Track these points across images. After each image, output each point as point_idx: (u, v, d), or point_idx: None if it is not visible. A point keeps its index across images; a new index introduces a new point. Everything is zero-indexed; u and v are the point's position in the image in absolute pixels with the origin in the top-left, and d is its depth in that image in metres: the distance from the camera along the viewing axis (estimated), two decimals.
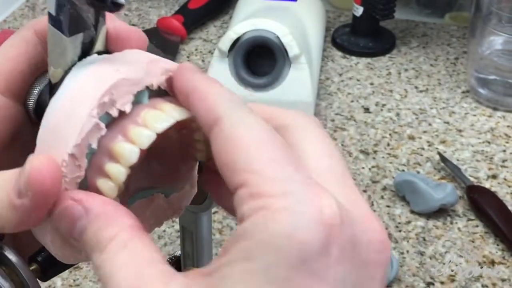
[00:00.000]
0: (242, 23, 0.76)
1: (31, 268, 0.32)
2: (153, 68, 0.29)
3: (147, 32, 0.96)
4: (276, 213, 0.22)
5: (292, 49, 0.75)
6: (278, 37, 0.75)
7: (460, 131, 0.80)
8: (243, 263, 0.22)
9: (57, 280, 0.60)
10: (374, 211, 0.68)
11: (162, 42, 0.93)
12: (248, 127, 0.24)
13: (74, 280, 0.61)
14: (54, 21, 0.28)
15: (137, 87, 0.28)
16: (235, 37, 0.75)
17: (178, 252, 0.44)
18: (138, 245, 0.25)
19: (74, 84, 0.28)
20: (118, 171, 0.27)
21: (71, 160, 0.27)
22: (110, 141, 0.27)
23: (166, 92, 0.30)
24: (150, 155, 0.32)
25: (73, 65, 0.29)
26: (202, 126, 0.26)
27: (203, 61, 0.92)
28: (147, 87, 0.29)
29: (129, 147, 0.27)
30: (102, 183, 0.27)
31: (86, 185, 0.28)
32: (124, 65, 0.29)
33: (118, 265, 0.25)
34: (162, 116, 0.28)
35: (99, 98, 0.27)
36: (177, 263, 0.44)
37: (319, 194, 0.23)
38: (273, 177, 0.23)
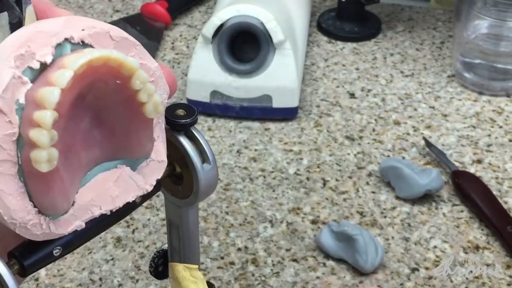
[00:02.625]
0: (226, 9, 0.75)
1: (10, 263, 0.32)
2: (72, 23, 0.30)
3: (131, 18, 0.95)
4: None
5: (277, 35, 0.74)
6: (262, 23, 0.74)
7: (445, 115, 0.79)
8: None
9: (41, 270, 0.60)
10: (359, 197, 0.68)
11: (146, 28, 0.92)
12: None
13: (58, 270, 0.60)
14: None
15: (55, 39, 0.29)
16: (219, 23, 0.75)
17: (165, 246, 0.44)
18: None
19: None
20: (44, 115, 0.27)
21: None
22: (35, 92, 0.28)
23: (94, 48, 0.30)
24: (98, 121, 0.32)
25: None
26: None
27: (187, 47, 0.91)
28: (68, 40, 0.29)
29: (49, 89, 0.27)
30: (33, 133, 0.27)
31: (23, 143, 0.28)
32: (42, 23, 0.29)
33: None
34: (80, 55, 0.28)
35: (15, 50, 0.28)
36: (164, 257, 0.44)
37: None
38: None
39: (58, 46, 0.29)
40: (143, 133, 0.33)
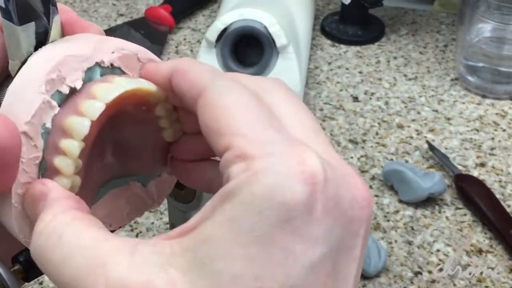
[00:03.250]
0: (229, 13, 0.75)
1: (14, 268, 0.32)
2: (103, 45, 0.30)
3: (135, 22, 0.95)
4: (259, 174, 0.22)
5: (280, 39, 0.74)
6: (265, 27, 0.74)
7: (448, 119, 0.80)
8: (227, 224, 0.22)
9: None
10: None
11: (150, 32, 0.92)
12: (232, 94, 0.25)
13: None
14: (5, 12, 0.28)
15: (86, 63, 0.29)
16: (222, 27, 0.75)
17: None
18: (84, 224, 0.25)
19: (23, 69, 0.29)
20: (72, 145, 0.27)
21: (26, 139, 0.27)
22: (63, 118, 0.28)
23: (122, 71, 0.30)
24: (117, 140, 0.33)
25: (29, 56, 0.29)
26: (187, 102, 0.27)
27: (191, 50, 0.91)
28: (98, 64, 0.29)
29: (79, 120, 0.27)
30: (58, 161, 0.28)
31: (45, 167, 0.28)
32: (73, 44, 0.29)
33: (69, 246, 0.24)
34: (112, 87, 0.28)
35: (46, 75, 0.28)
36: None
37: (302, 153, 0.23)
38: (256, 139, 0.23)
39: (88, 69, 0.29)
40: (160, 155, 0.33)
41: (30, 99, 0.27)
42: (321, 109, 0.81)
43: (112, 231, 0.33)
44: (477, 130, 0.78)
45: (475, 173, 0.71)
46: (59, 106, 0.28)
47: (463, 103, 0.82)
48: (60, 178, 0.28)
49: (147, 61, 0.31)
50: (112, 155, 0.33)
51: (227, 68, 0.76)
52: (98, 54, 0.29)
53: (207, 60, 0.76)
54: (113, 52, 0.30)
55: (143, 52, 0.31)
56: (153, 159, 0.33)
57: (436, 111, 0.81)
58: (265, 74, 0.76)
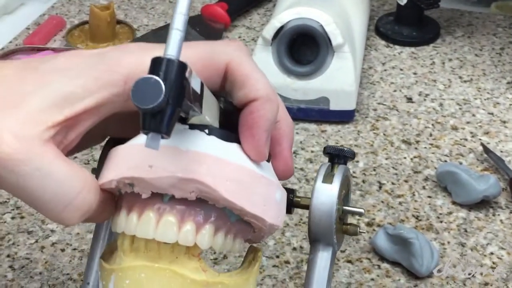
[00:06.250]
0: (286, 12, 0.76)
1: None
2: (185, 185, 0.32)
3: (191, 19, 0.97)
4: None
5: (336, 38, 0.75)
6: (321, 26, 0.75)
7: (504, 122, 0.79)
8: None
9: None
10: (415, 201, 0.68)
11: (206, 29, 0.94)
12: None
13: None
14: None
15: (156, 189, 0.32)
16: (279, 25, 0.76)
17: None
18: None
19: (133, 143, 0.34)
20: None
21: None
22: (125, 201, 0.34)
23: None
24: None
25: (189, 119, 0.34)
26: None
27: None
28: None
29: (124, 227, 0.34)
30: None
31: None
32: (159, 168, 0.32)
33: None
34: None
35: (120, 177, 0.33)
36: None
37: None
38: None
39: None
40: None
41: (107, 180, 0.33)
42: (375, 109, 0.81)
43: None
44: None
45: None
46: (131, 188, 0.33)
47: None
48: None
49: (222, 205, 0.33)
50: None
51: (282, 66, 0.77)
52: (174, 190, 0.32)
53: (263, 58, 0.77)
54: (192, 192, 0.32)
55: (231, 203, 0.33)
56: None
57: (492, 114, 0.80)
58: (320, 72, 0.76)
